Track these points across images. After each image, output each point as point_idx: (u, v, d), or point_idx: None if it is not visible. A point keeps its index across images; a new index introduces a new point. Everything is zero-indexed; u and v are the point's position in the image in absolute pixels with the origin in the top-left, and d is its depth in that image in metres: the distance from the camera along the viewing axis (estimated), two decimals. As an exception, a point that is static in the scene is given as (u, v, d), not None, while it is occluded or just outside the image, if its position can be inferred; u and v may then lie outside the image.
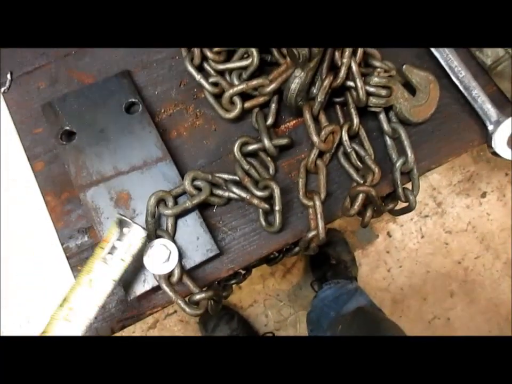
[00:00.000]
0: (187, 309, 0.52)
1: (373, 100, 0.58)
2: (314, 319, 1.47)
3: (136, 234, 0.51)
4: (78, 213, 0.59)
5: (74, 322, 0.48)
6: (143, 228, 0.51)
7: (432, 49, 0.64)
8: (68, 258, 0.58)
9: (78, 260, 0.58)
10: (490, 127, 0.63)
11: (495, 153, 0.63)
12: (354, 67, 0.56)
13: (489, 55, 0.64)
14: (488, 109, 0.63)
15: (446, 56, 0.63)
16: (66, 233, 0.59)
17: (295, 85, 0.56)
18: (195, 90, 0.63)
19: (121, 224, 0.51)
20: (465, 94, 0.63)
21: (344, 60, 0.55)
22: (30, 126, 0.61)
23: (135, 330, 1.77)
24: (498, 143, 0.62)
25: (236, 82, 0.60)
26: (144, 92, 0.62)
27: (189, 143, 0.61)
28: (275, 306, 1.79)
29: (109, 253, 0.51)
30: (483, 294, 1.82)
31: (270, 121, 0.60)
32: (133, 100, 0.60)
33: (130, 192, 0.57)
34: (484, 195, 1.90)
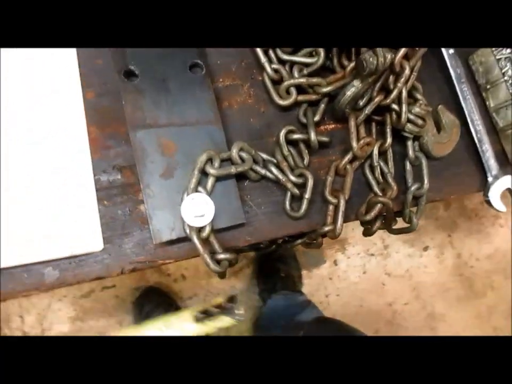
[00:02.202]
0: (211, 264, 0.55)
1: (409, 126, 0.65)
2: (264, 326, 1.50)
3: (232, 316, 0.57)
4: (117, 150, 0.60)
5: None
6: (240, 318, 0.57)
7: (461, 100, 0.73)
8: (96, 190, 0.59)
9: (105, 194, 0.59)
10: (490, 179, 0.72)
11: (488, 202, 0.73)
12: (404, 93, 0.63)
13: (503, 118, 0.74)
14: (492, 163, 0.72)
15: (470, 109, 0.72)
16: (101, 166, 0.59)
17: (350, 92, 0.62)
18: (254, 71, 0.67)
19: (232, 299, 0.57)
20: (478, 145, 0.72)
21: (399, 84, 0.62)
22: (92, 56, 0.62)
23: (67, 294, 1.71)
24: (493, 194, 0.72)
25: (296, 74, 0.65)
26: (208, 57, 0.65)
27: (237, 116, 0.65)
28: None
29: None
30: (403, 338, 1.96)
31: (317, 118, 0.65)
32: (198, 61, 0.63)
33: (178, 144, 0.59)
34: (425, 249, 2.06)
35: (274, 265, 1.76)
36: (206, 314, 0.58)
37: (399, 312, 1.98)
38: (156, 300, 1.70)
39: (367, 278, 1.97)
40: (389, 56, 0.58)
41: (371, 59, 0.58)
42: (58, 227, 0.56)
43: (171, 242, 0.59)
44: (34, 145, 0.57)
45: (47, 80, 0.60)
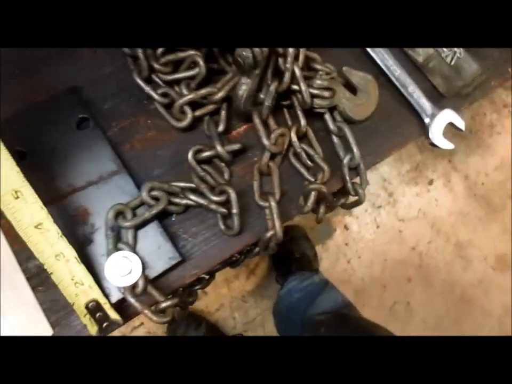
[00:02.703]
0: (154, 318, 0.53)
1: (317, 102, 0.61)
2: (282, 310, 1.49)
3: None
4: (34, 233, 0.59)
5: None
6: None
7: (369, 50, 0.68)
8: (27, 279, 0.57)
9: (38, 280, 0.58)
10: (426, 120, 0.68)
11: (432, 144, 0.68)
12: (297, 71, 0.59)
13: (420, 53, 0.69)
14: (423, 103, 0.68)
15: (381, 56, 0.68)
16: (24, 254, 0.58)
17: (242, 91, 0.58)
18: (145, 102, 0.64)
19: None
20: (402, 90, 0.68)
21: (288, 65, 0.58)
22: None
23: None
24: (435, 135, 0.67)
25: (185, 92, 0.61)
26: (93, 108, 0.62)
27: (143, 154, 0.62)
28: (241, 308, 1.81)
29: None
30: (438, 276, 1.92)
31: (221, 127, 0.62)
32: (84, 116, 0.60)
33: (88, 207, 0.57)
34: (431, 182, 2.00)
35: (287, 248, 1.74)
36: None
37: (424, 253, 1.94)
38: (185, 323, 1.71)
39: (382, 231, 1.93)
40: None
41: (245, 53, 0.54)
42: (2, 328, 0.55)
43: (118, 305, 0.57)
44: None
45: None
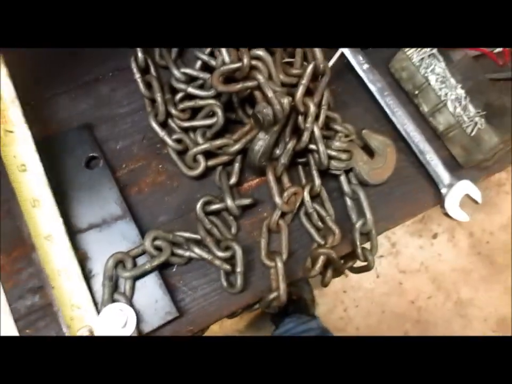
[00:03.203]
0: (143, 379, 0.50)
1: (334, 163, 0.60)
2: None
3: None
4: (29, 272, 0.56)
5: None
6: None
7: (389, 114, 0.67)
8: (15, 320, 0.55)
9: (26, 322, 0.55)
10: (443, 190, 0.66)
11: (447, 215, 0.66)
12: (316, 131, 0.58)
13: (441, 121, 0.67)
14: (441, 172, 0.66)
15: (402, 121, 0.66)
16: (15, 293, 0.55)
17: (258, 147, 0.57)
18: (158, 146, 0.62)
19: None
20: (420, 157, 0.66)
21: (308, 125, 0.57)
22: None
23: None
24: (451, 206, 0.66)
25: (199, 139, 0.60)
26: (105, 146, 0.61)
27: (150, 199, 0.60)
28: (232, 347, 1.75)
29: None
30: (435, 333, 1.87)
31: (233, 180, 0.60)
32: (94, 155, 0.58)
33: (87, 251, 0.55)
34: (435, 236, 1.97)
35: None
36: None
37: (424, 308, 1.89)
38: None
39: (382, 281, 1.89)
40: (285, 101, 0.53)
41: (265, 110, 0.53)
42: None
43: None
44: None
45: None
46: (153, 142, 0.62)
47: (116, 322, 0.50)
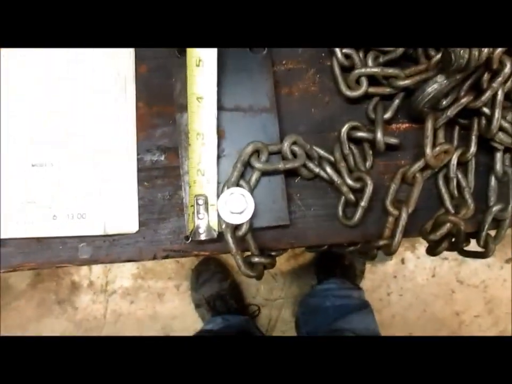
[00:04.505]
0: (242, 267, 0.50)
1: (500, 136, 0.54)
2: (311, 305, 1.45)
3: None
4: (163, 130, 0.57)
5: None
6: None
7: None
8: (138, 170, 0.56)
9: (147, 175, 0.56)
10: None
11: None
12: (499, 95, 0.52)
13: None
14: None
15: None
16: (145, 145, 0.57)
17: (431, 89, 0.52)
18: (323, 55, 0.59)
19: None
20: None
21: (494, 85, 0.51)
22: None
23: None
24: None
25: (370, 62, 0.56)
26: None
27: (297, 105, 0.58)
28: (269, 283, 1.79)
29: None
30: (468, 352, 1.81)
31: (388, 115, 0.57)
32: (260, 40, 0.56)
33: (226, 130, 0.54)
34: (508, 261, 1.85)
35: (340, 252, 1.68)
36: None
37: (466, 323, 1.82)
38: (213, 270, 1.72)
39: (436, 282, 1.83)
40: (485, 50, 0.47)
41: (461, 52, 0.48)
42: (96, 203, 0.55)
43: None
44: (80, 120, 0.56)
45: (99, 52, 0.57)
46: (319, 49, 0.59)
47: (235, 205, 0.50)
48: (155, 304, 1.77)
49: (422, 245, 1.84)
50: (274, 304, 1.78)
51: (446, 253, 1.93)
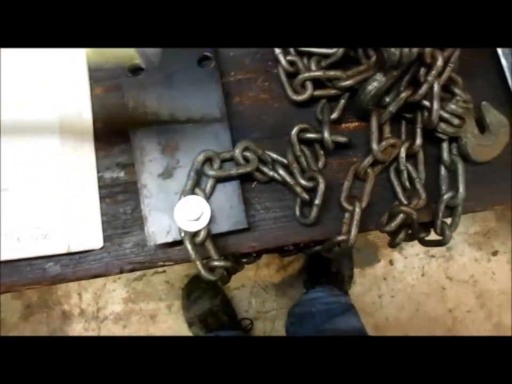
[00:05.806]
0: (203, 272, 0.52)
1: (442, 126, 0.57)
2: (298, 314, 1.46)
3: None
4: (121, 147, 0.59)
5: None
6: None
7: (514, 95, 0.62)
8: (99, 187, 0.58)
9: (108, 192, 0.58)
10: (546, 189, 0.61)
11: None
12: (436, 87, 0.55)
13: None
14: (550, 170, 0.61)
15: (525, 106, 0.62)
16: (105, 163, 0.59)
17: (372, 87, 0.55)
18: (269, 63, 0.62)
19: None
20: (533, 148, 0.62)
21: (429, 78, 0.54)
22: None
23: (121, 276, 1.79)
24: (549, 207, 0.61)
25: (313, 66, 0.59)
26: (219, 50, 0.61)
27: (248, 113, 0.61)
28: (260, 296, 1.79)
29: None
30: (464, 348, 1.81)
31: (335, 115, 0.59)
32: (207, 54, 0.59)
33: (179, 142, 0.56)
34: (495, 253, 1.88)
35: (326, 259, 1.70)
36: None
37: (460, 319, 1.83)
38: (203, 287, 1.72)
39: (426, 281, 1.84)
40: (415, 46, 0.50)
41: (393, 50, 0.50)
42: (59, 223, 0.56)
43: (171, 244, 0.57)
44: (39, 139, 0.58)
45: (57, 73, 0.59)
46: (266, 59, 0.62)
47: (191, 212, 0.51)
48: (148, 326, 1.77)
49: (409, 245, 1.86)
50: (268, 316, 1.78)
51: (433, 251, 1.94)
